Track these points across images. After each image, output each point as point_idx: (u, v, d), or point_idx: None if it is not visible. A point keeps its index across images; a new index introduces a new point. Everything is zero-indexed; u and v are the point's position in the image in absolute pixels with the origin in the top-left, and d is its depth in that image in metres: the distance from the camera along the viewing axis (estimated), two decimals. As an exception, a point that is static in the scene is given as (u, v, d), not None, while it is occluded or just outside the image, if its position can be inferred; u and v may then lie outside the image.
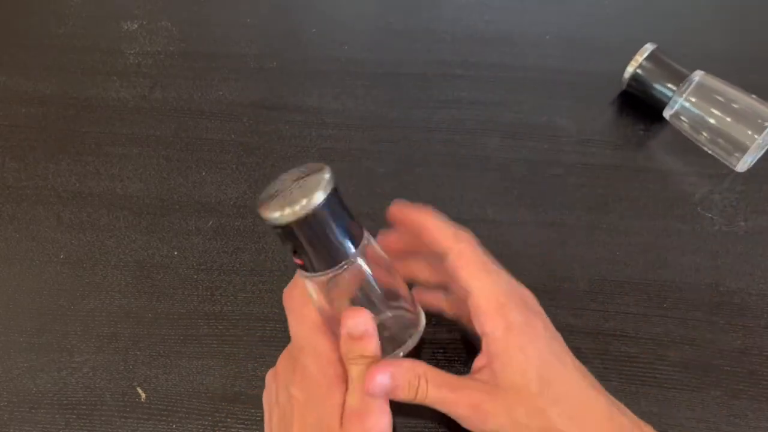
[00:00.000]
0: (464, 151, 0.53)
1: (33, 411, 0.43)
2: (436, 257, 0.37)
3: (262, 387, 0.43)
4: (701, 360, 0.44)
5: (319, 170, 0.33)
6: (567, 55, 0.59)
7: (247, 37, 0.60)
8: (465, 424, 0.34)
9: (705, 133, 0.50)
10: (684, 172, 0.52)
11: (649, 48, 0.52)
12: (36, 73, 0.58)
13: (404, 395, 0.35)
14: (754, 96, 0.48)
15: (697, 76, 0.50)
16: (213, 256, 0.48)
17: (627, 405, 0.43)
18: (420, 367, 0.35)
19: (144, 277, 0.48)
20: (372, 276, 0.36)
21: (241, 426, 0.42)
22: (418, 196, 0.51)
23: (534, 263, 0.48)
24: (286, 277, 0.47)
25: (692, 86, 0.50)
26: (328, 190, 0.32)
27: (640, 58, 0.52)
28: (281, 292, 0.47)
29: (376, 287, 0.37)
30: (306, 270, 0.34)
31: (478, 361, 0.36)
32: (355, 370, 0.35)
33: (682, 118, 0.51)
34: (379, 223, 0.50)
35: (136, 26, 0.61)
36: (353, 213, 0.34)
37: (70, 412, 0.43)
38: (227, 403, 0.43)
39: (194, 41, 0.60)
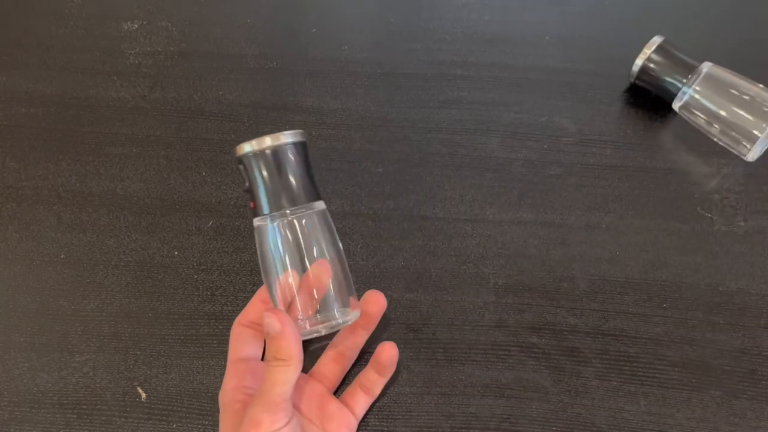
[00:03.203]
0: (464, 151, 0.53)
1: (33, 411, 0.43)
2: None
3: (262, 387, 0.43)
4: (701, 360, 0.44)
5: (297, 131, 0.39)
6: (567, 55, 0.59)
7: (247, 37, 0.60)
8: None
9: (714, 124, 0.50)
10: (684, 172, 0.52)
11: (657, 40, 0.53)
12: (36, 73, 0.58)
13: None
14: (761, 86, 0.49)
15: (706, 67, 0.50)
16: (213, 256, 0.48)
17: (627, 405, 0.43)
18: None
19: (144, 277, 0.48)
20: (317, 240, 0.38)
21: (242, 426, 0.42)
22: (417, 195, 0.51)
23: (534, 263, 0.48)
24: (286, 277, 0.47)
25: (701, 77, 0.50)
26: (298, 138, 0.38)
27: (648, 50, 0.52)
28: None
29: (317, 253, 0.38)
30: (261, 211, 0.37)
31: None
32: (267, 372, 0.35)
33: (692, 109, 0.51)
34: (379, 222, 0.50)
35: (136, 26, 0.61)
36: (316, 181, 0.39)
37: (70, 411, 0.43)
38: (227, 403, 0.43)
39: (194, 41, 0.60)
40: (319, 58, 0.59)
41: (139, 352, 0.45)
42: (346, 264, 0.39)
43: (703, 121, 0.51)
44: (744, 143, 0.49)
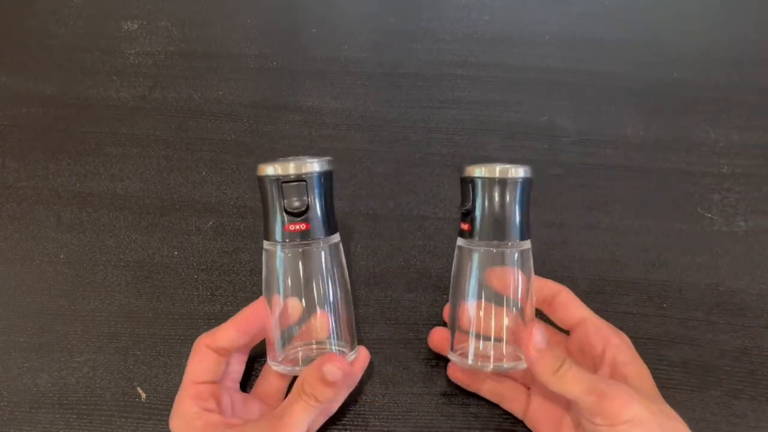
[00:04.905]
0: (464, 151, 0.53)
1: (33, 411, 0.43)
2: None
3: (262, 387, 0.43)
4: (701, 360, 0.44)
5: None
6: (567, 55, 0.59)
7: (247, 37, 0.60)
8: (588, 413, 0.34)
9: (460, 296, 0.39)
10: (684, 172, 0.52)
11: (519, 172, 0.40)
12: (36, 73, 0.58)
13: (550, 366, 0.35)
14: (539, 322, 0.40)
15: (520, 246, 0.38)
16: (213, 256, 0.48)
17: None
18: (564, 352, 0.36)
19: (144, 277, 0.48)
20: (329, 276, 0.38)
21: (241, 426, 0.42)
22: (417, 196, 0.51)
23: (534, 263, 0.48)
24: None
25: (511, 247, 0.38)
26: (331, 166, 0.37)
27: (494, 173, 0.40)
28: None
29: (325, 286, 0.38)
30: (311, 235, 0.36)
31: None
32: (297, 405, 0.35)
33: (465, 262, 0.39)
34: (379, 222, 0.50)
35: (136, 26, 0.61)
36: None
37: (70, 411, 0.43)
38: (227, 403, 0.43)
39: (194, 41, 0.60)
40: (319, 58, 0.59)
41: (139, 352, 0.45)
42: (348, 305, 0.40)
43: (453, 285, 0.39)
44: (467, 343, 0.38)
